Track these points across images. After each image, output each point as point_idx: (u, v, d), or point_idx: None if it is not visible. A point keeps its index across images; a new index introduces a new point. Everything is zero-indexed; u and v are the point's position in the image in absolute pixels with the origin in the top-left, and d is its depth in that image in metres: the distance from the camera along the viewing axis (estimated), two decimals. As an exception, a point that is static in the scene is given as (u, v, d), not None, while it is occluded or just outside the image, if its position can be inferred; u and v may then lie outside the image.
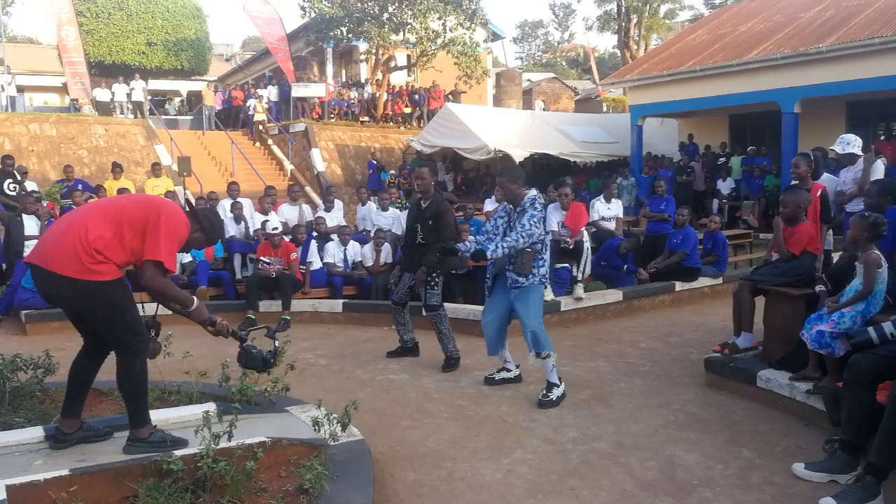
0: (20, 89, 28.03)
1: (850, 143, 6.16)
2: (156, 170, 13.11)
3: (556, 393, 4.87)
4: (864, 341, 3.70)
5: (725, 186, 15.24)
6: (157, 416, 3.73)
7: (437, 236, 5.61)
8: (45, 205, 9.73)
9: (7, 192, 10.26)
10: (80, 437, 3.46)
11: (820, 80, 13.32)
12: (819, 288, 4.62)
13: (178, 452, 3.18)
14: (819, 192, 5.46)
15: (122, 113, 22.10)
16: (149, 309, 3.61)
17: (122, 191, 10.58)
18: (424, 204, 5.80)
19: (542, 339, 4.88)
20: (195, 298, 3.60)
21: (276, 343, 3.89)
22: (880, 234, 4.13)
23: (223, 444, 3.19)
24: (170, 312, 3.66)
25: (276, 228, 8.26)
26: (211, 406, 3.82)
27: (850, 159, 6.17)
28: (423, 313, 5.87)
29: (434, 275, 5.76)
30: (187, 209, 3.64)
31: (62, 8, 20.35)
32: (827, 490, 3.43)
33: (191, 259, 8.52)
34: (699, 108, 16.38)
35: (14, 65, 28.10)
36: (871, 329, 3.72)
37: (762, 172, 14.73)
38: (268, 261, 8.00)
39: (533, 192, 5.03)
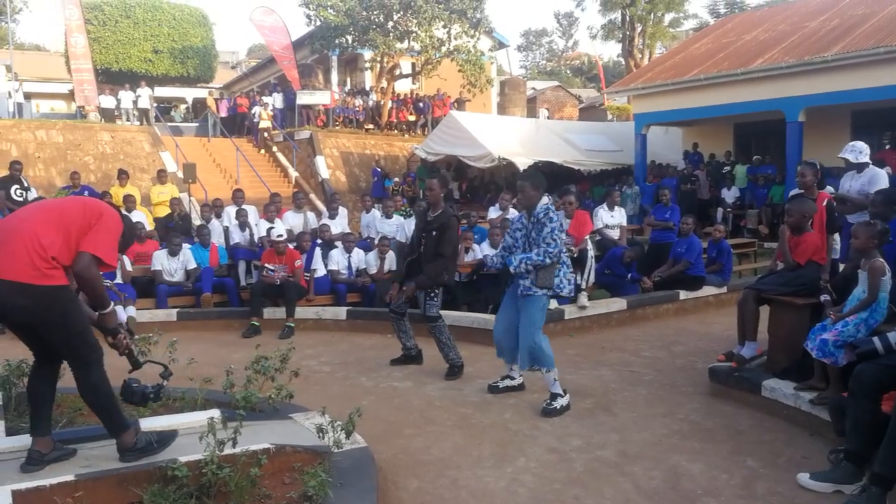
0: (27, 96, 28.21)
1: (863, 152, 6.10)
2: (161, 177, 13.16)
3: (560, 402, 4.86)
4: (868, 351, 3.70)
5: (730, 195, 15.23)
6: (161, 422, 3.75)
7: (437, 248, 5.61)
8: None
9: (14, 197, 10.31)
10: (55, 457, 3.34)
11: (825, 89, 13.33)
12: (824, 297, 4.62)
13: (183, 458, 3.19)
14: (825, 202, 5.45)
15: (127, 120, 22.20)
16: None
17: (127, 197, 10.62)
18: (432, 215, 5.76)
19: (541, 356, 4.85)
20: (112, 304, 3.50)
21: (165, 383, 3.76)
22: (886, 243, 4.13)
23: (227, 450, 3.20)
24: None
25: (280, 236, 8.28)
26: (215, 412, 3.83)
27: (860, 167, 6.12)
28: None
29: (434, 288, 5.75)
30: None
31: (72, 15, 20.46)
32: (832, 500, 3.43)
33: (195, 266, 8.55)
34: (704, 117, 16.40)
35: (21, 71, 28.26)
36: (875, 339, 3.71)
37: (767, 181, 14.73)
38: (272, 268, 8.02)
39: (546, 200, 5.03)
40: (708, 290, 8.49)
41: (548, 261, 4.85)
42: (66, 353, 3.32)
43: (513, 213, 8.84)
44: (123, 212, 3.95)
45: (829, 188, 6.16)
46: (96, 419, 4.12)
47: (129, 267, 8.26)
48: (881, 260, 4.05)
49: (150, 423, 3.67)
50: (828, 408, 4.08)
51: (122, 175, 12.28)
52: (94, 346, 3.34)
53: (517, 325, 5.04)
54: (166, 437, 3.45)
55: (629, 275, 8.52)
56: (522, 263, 4.84)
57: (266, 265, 8.09)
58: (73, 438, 3.61)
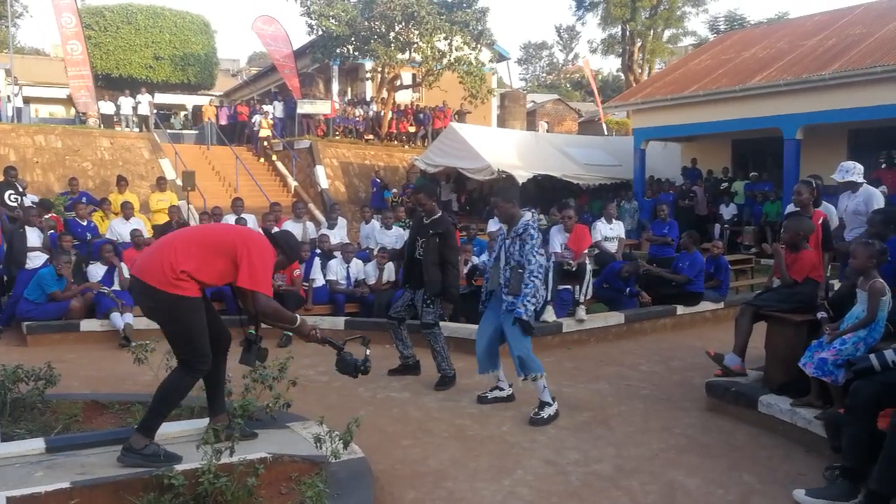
0: (26, 100, 28.21)
1: (850, 171, 6.16)
2: (161, 184, 13.16)
3: (548, 411, 4.89)
4: (865, 368, 3.71)
5: (728, 212, 15.28)
6: (163, 429, 3.74)
7: (441, 255, 5.67)
8: (50, 216, 9.77)
9: (8, 202, 10.30)
10: (229, 433, 3.63)
11: (822, 107, 13.41)
12: (821, 315, 4.63)
13: (179, 467, 3.18)
14: (821, 220, 5.48)
15: (127, 126, 22.21)
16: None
17: (125, 204, 10.62)
18: (428, 220, 5.83)
19: (529, 363, 4.91)
20: (298, 317, 3.92)
21: (368, 352, 4.09)
22: (884, 262, 4.15)
23: (224, 459, 3.19)
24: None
25: None
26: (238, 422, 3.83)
27: (850, 186, 6.18)
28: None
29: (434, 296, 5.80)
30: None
31: (68, 22, 20.48)
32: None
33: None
34: (702, 133, 16.47)
35: (21, 76, 28.29)
36: (872, 356, 3.73)
37: (764, 198, 14.78)
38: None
39: (528, 215, 5.04)
40: (705, 306, 8.51)
41: (537, 282, 4.87)
42: (176, 353, 3.69)
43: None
44: (281, 230, 4.38)
45: (826, 204, 6.19)
46: (92, 426, 4.13)
47: (126, 274, 8.24)
48: (881, 280, 4.07)
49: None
50: (824, 424, 4.09)
51: (121, 182, 12.26)
52: (202, 356, 3.62)
53: (493, 336, 5.15)
54: (172, 458, 3.47)
55: (627, 289, 8.53)
56: (528, 305, 4.85)
57: None
58: (69, 445, 3.60)
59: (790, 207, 5.93)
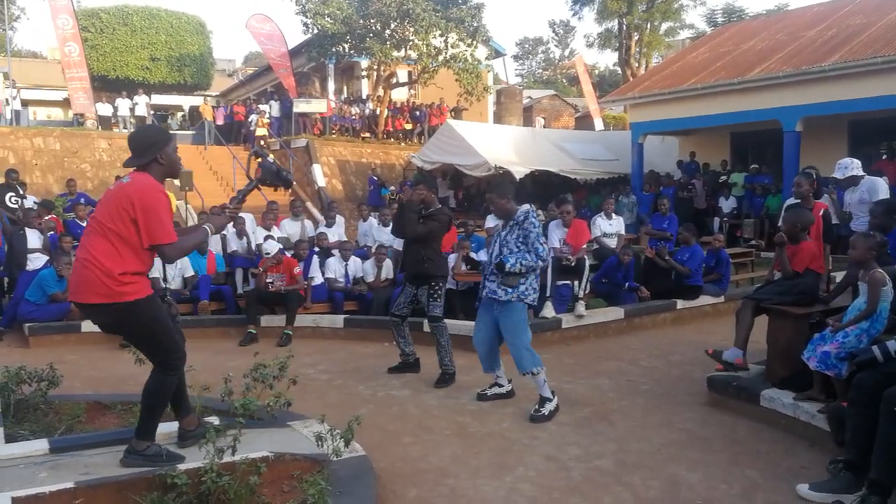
0: (24, 103, 28.16)
1: (849, 167, 6.17)
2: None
3: (548, 407, 4.89)
4: (868, 360, 3.71)
5: (727, 205, 15.27)
6: (160, 429, 3.73)
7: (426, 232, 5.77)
8: (49, 217, 9.77)
9: (9, 205, 10.31)
10: (202, 433, 3.59)
11: (822, 98, 13.37)
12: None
13: (182, 466, 3.19)
14: (821, 212, 5.48)
15: (125, 127, 22.19)
16: None
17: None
18: (426, 211, 5.90)
19: (528, 358, 4.92)
20: (204, 227, 3.71)
21: (286, 173, 4.13)
22: (885, 254, 4.14)
23: (227, 458, 3.19)
24: None
25: (268, 253, 8.24)
26: (214, 420, 3.82)
27: (852, 181, 6.20)
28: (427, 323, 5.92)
29: (437, 286, 5.82)
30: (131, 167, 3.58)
31: (65, 25, 20.46)
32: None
33: (193, 273, 8.54)
34: (700, 126, 16.45)
35: (18, 79, 28.24)
36: (875, 347, 3.73)
37: (764, 191, 14.77)
38: (269, 279, 8.01)
39: (526, 206, 5.08)
40: (705, 300, 8.50)
41: (540, 263, 4.91)
42: (149, 357, 3.59)
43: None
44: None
45: (827, 196, 6.21)
46: (94, 426, 4.13)
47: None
48: (881, 271, 4.07)
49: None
50: (827, 418, 4.08)
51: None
52: (174, 352, 3.52)
53: (492, 334, 5.16)
54: (175, 457, 3.45)
55: (626, 284, 8.53)
56: (518, 263, 4.87)
57: (268, 276, 8.05)
58: (73, 445, 3.60)
59: (791, 200, 5.93)
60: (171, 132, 3.68)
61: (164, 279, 8.44)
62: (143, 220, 3.31)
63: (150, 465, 3.32)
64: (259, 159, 4.07)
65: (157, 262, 8.40)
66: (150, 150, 3.48)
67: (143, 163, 3.47)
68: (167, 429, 3.79)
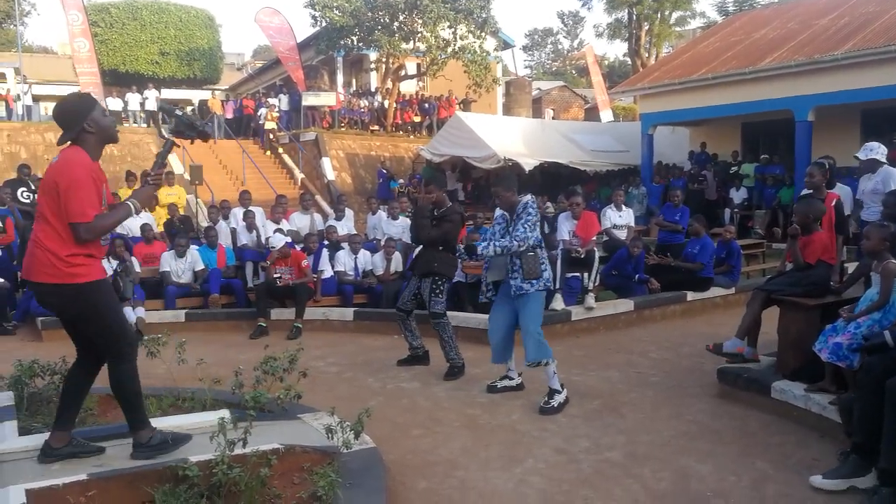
0: (35, 98, 28.34)
1: (874, 150, 6.07)
2: (169, 178, 13.15)
3: (557, 399, 4.89)
4: (878, 344, 3.68)
5: (738, 196, 15.17)
6: (171, 422, 3.77)
7: (445, 237, 5.79)
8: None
9: (21, 199, 10.39)
10: (68, 453, 3.39)
11: (834, 87, 13.26)
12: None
13: (193, 458, 3.21)
14: (833, 202, 5.43)
15: (135, 122, 22.27)
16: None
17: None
18: (438, 211, 5.90)
19: (542, 347, 4.93)
20: (127, 203, 3.43)
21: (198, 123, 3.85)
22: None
23: (238, 450, 3.21)
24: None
25: (274, 247, 8.24)
26: (225, 413, 3.84)
27: (871, 166, 6.10)
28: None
29: (440, 282, 5.82)
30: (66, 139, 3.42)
31: (75, 20, 20.55)
32: (842, 501, 3.41)
33: (203, 267, 8.58)
34: (711, 117, 16.34)
35: (30, 74, 28.42)
36: (886, 332, 3.70)
37: (775, 181, 14.66)
38: (277, 273, 8.04)
39: (527, 197, 5.11)
40: (716, 292, 8.46)
41: (514, 245, 4.92)
42: (99, 345, 3.41)
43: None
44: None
45: (840, 185, 6.12)
46: (107, 419, 4.16)
47: (137, 268, 8.28)
48: (894, 261, 4.03)
49: (160, 423, 3.68)
50: (839, 409, 4.05)
51: (130, 177, 12.32)
52: (125, 336, 3.41)
53: (509, 325, 5.18)
54: (181, 439, 3.47)
55: (636, 276, 8.50)
56: (491, 246, 4.96)
57: (276, 270, 8.07)
58: (85, 438, 3.63)
59: (804, 191, 5.87)
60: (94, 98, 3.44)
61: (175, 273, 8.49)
62: (63, 200, 3.18)
63: (161, 454, 3.33)
64: (167, 115, 3.83)
65: (167, 255, 8.52)
66: (76, 120, 3.28)
67: (72, 136, 3.29)
68: (180, 422, 3.81)
